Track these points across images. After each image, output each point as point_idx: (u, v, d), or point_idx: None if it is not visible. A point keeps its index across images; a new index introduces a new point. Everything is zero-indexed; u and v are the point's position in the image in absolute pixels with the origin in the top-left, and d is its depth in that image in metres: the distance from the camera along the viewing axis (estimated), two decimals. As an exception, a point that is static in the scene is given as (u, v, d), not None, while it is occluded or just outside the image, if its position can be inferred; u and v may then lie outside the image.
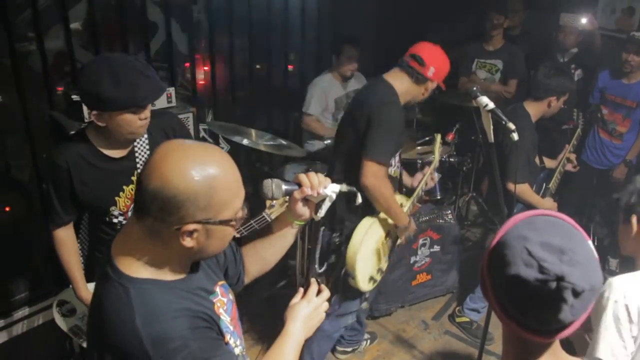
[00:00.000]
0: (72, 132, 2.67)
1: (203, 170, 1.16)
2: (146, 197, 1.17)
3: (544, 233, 1.11)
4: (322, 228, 3.41)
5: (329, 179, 1.55)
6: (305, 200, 1.55)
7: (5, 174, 3.35)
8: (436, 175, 4.14)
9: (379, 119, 2.53)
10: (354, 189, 1.61)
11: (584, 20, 4.25)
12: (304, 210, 1.56)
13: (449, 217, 3.91)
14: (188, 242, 1.20)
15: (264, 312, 3.68)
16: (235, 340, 1.45)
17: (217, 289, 1.44)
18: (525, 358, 1.19)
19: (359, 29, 5.15)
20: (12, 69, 3.17)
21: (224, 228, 1.24)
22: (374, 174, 2.50)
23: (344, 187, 1.57)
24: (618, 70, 4.02)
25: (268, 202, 2.59)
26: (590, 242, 1.15)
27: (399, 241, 2.94)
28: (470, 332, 3.71)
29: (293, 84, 5.03)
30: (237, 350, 1.44)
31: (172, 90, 3.26)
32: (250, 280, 1.70)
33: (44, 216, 3.47)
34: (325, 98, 4.23)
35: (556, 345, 1.20)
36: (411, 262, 3.79)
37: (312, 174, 1.53)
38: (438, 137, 3.27)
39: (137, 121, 2.03)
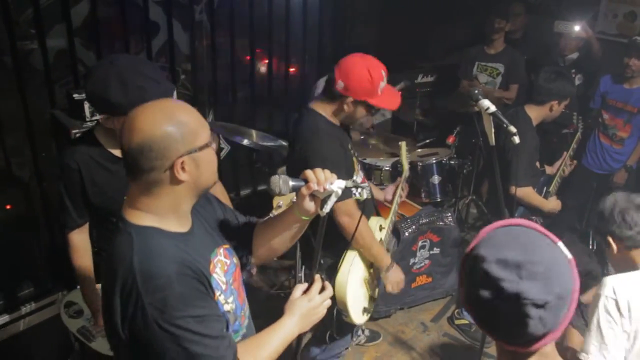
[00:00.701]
0: (80, 133, 2.66)
1: (166, 113, 1.35)
2: (134, 155, 1.33)
3: (502, 248, 1.09)
4: (303, 267, 3.33)
5: (335, 175, 1.56)
6: (312, 195, 1.56)
7: (6, 172, 3.35)
8: (436, 178, 4.16)
9: (313, 159, 2.31)
10: (361, 184, 1.61)
11: (577, 28, 4.26)
12: (311, 206, 1.58)
13: (449, 219, 3.91)
14: (183, 175, 1.35)
15: (262, 313, 3.68)
16: (227, 298, 1.53)
17: (220, 250, 1.57)
18: None
19: (361, 33, 5.17)
20: (14, 67, 3.18)
21: (205, 153, 1.39)
22: (345, 212, 2.34)
23: (350, 183, 1.58)
24: (620, 75, 4.03)
25: (275, 203, 2.57)
26: (560, 245, 1.14)
27: (389, 288, 2.70)
28: (469, 335, 3.71)
29: (294, 85, 5.04)
30: (227, 307, 1.52)
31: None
32: (259, 262, 1.81)
33: (45, 214, 3.50)
34: None
35: (549, 348, 1.19)
36: (410, 264, 3.79)
37: (318, 170, 1.54)
38: (403, 145, 3.11)
39: None
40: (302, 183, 1.54)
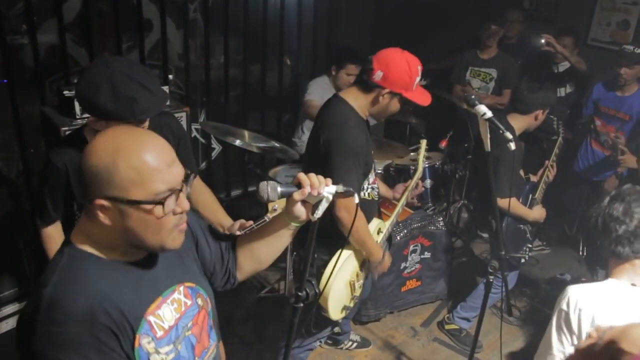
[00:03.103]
0: (70, 132, 2.62)
1: (108, 146, 1.18)
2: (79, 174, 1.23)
3: None
4: (294, 254, 3.31)
5: (329, 179, 1.53)
6: (303, 201, 1.52)
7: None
8: (428, 182, 4.16)
9: (336, 148, 2.36)
10: (351, 189, 1.58)
11: (542, 41, 4.35)
12: (301, 212, 1.54)
13: (441, 224, 3.90)
14: (103, 218, 1.20)
15: (251, 315, 3.66)
16: (159, 347, 1.32)
17: (181, 289, 1.41)
18: None
19: (355, 34, 5.16)
20: (3, 62, 3.13)
21: (141, 211, 1.20)
22: (344, 207, 2.34)
23: (340, 188, 1.54)
24: (612, 82, 4.04)
25: (270, 206, 2.54)
26: None
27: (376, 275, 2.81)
28: (459, 340, 3.70)
29: (287, 86, 5.01)
30: (155, 357, 1.32)
31: (165, 89, 3.23)
32: (244, 277, 1.69)
33: (32, 212, 3.44)
34: (321, 97, 4.17)
35: None
36: (401, 268, 3.77)
37: (312, 175, 1.50)
38: (423, 144, 3.11)
39: None
40: (293, 189, 1.49)
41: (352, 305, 2.74)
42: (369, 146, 2.52)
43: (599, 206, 1.92)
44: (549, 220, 3.61)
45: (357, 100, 2.46)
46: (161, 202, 1.21)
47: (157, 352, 1.32)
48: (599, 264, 4.30)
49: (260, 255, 1.67)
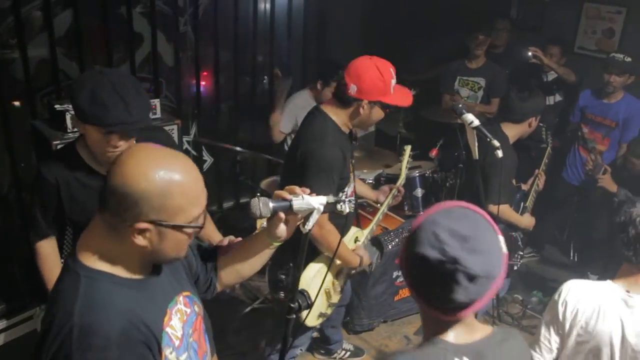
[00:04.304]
0: (62, 145, 2.62)
1: (161, 173, 1.20)
2: (107, 192, 1.22)
3: (456, 221, 1.22)
4: (269, 262, 3.30)
5: (307, 189, 1.56)
6: (292, 215, 1.54)
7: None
8: (419, 191, 4.18)
9: (311, 163, 2.35)
10: (342, 198, 1.60)
11: (529, 54, 4.42)
12: (283, 232, 1.57)
13: (433, 232, 3.91)
14: (140, 240, 1.22)
15: (245, 326, 3.66)
16: (179, 355, 1.39)
17: (180, 299, 1.44)
18: (438, 332, 1.30)
19: (344, 46, 5.20)
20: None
21: (178, 233, 1.26)
22: (317, 223, 2.38)
23: (331, 199, 1.57)
24: (599, 89, 4.09)
25: (259, 223, 2.55)
26: (501, 238, 1.26)
27: (353, 271, 2.80)
28: (452, 348, 3.70)
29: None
30: None
31: (157, 101, 3.24)
32: (223, 288, 1.73)
33: (23, 227, 3.43)
34: (295, 116, 4.06)
35: (469, 319, 1.31)
36: (393, 277, 3.78)
37: (293, 186, 1.55)
38: (408, 149, 3.13)
39: (105, 144, 1.93)
40: (285, 204, 1.50)
41: (329, 312, 2.74)
42: (347, 160, 2.50)
43: (631, 207, 1.97)
44: (539, 227, 3.64)
45: (338, 116, 2.44)
46: (201, 227, 1.29)
47: None
48: (589, 269, 4.33)
49: (241, 270, 1.70)
